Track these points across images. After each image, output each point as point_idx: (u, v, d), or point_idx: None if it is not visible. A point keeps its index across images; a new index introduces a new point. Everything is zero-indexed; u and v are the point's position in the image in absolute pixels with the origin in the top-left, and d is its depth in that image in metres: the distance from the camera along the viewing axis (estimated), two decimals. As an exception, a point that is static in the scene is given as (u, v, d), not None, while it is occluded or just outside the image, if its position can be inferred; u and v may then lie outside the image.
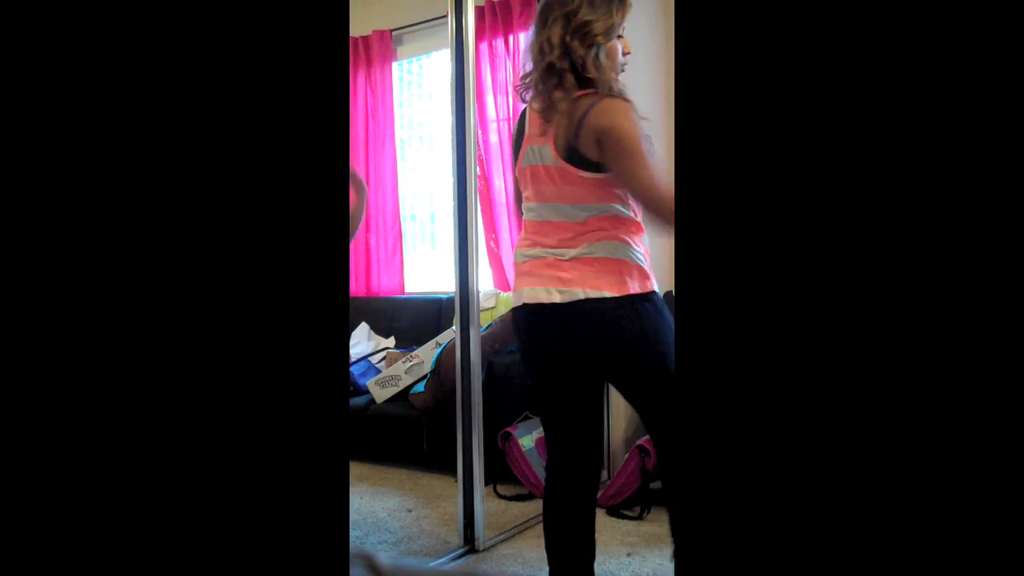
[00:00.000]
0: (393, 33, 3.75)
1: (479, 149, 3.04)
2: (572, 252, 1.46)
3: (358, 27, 3.76)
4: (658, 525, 2.39)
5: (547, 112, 1.45)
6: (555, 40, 1.42)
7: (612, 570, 2.06)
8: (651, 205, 1.42)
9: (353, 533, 2.30)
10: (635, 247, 1.48)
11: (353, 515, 2.40)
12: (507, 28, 3.27)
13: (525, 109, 1.57)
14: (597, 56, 1.43)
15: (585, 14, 1.42)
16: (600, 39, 1.43)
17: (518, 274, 1.56)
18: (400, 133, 3.82)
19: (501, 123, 3.30)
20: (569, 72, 1.42)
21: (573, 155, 1.42)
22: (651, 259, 1.56)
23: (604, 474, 2.87)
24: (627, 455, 2.65)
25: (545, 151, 1.46)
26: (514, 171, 1.61)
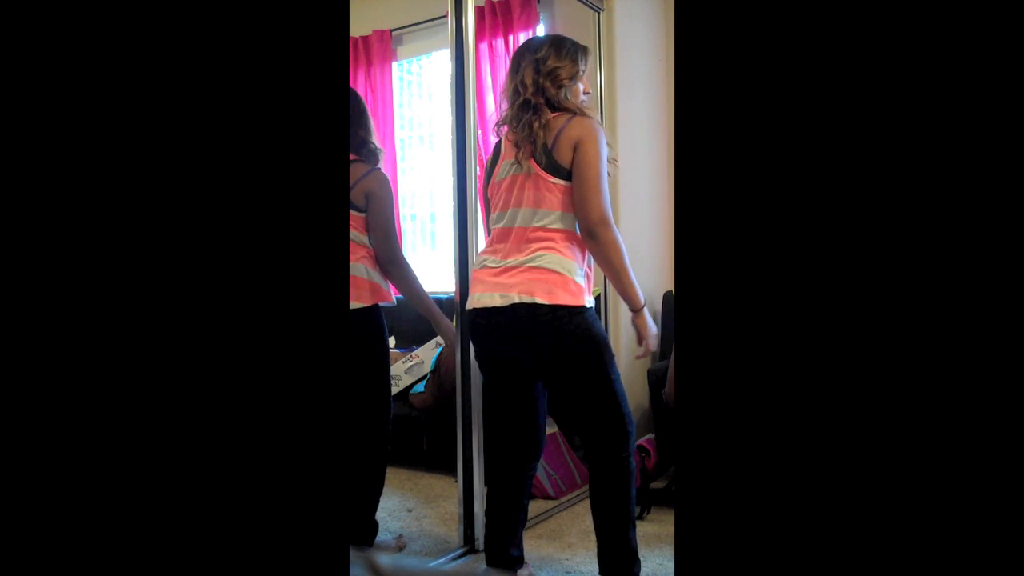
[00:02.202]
0: (393, 33, 3.75)
1: (479, 149, 3.04)
2: (519, 260, 1.66)
3: (358, 27, 3.76)
4: (658, 525, 2.39)
5: (523, 140, 1.66)
6: (528, 81, 1.68)
7: (612, 570, 2.05)
8: (585, 209, 1.60)
9: (353, 533, 2.29)
10: (577, 264, 1.66)
11: (353, 515, 2.39)
12: (507, 28, 3.27)
13: (500, 141, 1.80)
14: (566, 95, 1.69)
15: (553, 62, 1.68)
16: (567, 82, 1.68)
17: (474, 280, 1.76)
18: (400, 133, 3.81)
19: (501, 123, 3.29)
20: (544, 106, 1.65)
21: (549, 163, 1.62)
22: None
23: (604, 474, 2.87)
24: (627, 455, 2.64)
25: (521, 163, 1.66)
26: (486, 192, 1.84)
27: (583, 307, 1.64)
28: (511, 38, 3.28)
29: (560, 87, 1.67)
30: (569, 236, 1.65)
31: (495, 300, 1.65)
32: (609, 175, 1.67)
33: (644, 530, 2.35)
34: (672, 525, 2.34)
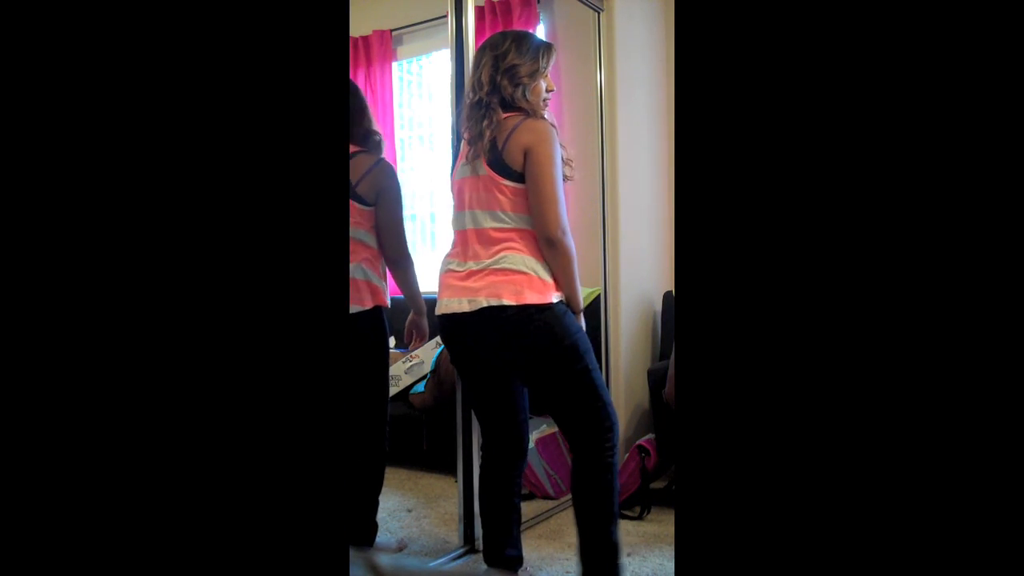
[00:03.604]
0: (393, 33, 3.75)
1: (479, 149, 3.04)
2: (483, 263, 1.65)
3: (358, 27, 3.76)
4: (658, 525, 2.39)
5: (474, 140, 1.65)
6: (484, 79, 1.65)
7: (612, 570, 2.05)
8: (543, 220, 1.59)
9: (353, 533, 2.29)
10: (540, 261, 1.65)
11: (353, 515, 2.39)
12: (507, 28, 3.27)
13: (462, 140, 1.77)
14: (524, 94, 1.65)
15: (513, 58, 1.64)
16: (526, 80, 1.65)
17: (441, 285, 1.77)
18: (400, 133, 3.81)
19: (501, 123, 3.29)
20: (497, 105, 1.63)
21: (499, 165, 1.62)
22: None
23: (604, 474, 2.87)
24: (627, 455, 2.65)
25: (475, 164, 1.66)
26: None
27: (550, 304, 1.63)
28: (511, 38, 3.27)
29: (518, 85, 1.64)
30: (527, 234, 1.65)
31: (463, 306, 1.65)
32: (566, 177, 1.66)
33: (644, 530, 2.36)
34: (672, 525, 2.34)
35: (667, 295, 3.04)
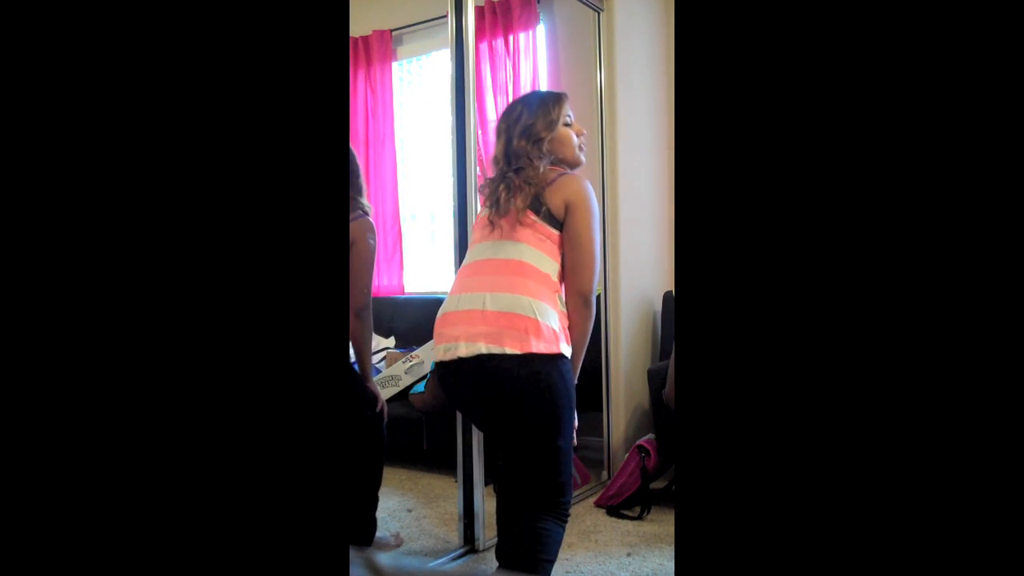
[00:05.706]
0: (393, 33, 3.75)
1: (479, 149, 3.05)
2: (491, 302, 1.55)
3: (358, 27, 3.77)
4: (658, 525, 2.39)
5: (494, 203, 1.64)
6: (499, 153, 1.69)
7: (612, 570, 2.06)
8: (581, 279, 1.59)
9: (353, 533, 2.29)
10: (552, 309, 1.56)
11: (353, 515, 2.39)
12: (507, 28, 3.28)
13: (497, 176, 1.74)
14: (544, 147, 1.66)
15: (526, 119, 1.68)
16: (543, 133, 1.67)
17: (445, 323, 1.63)
18: (400, 133, 3.82)
19: (501, 123, 3.30)
20: (514, 174, 1.64)
21: (538, 207, 1.60)
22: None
23: (604, 474, 2.88)
24: (627, 455, 2.65)
25: (503, 219, 1.64)
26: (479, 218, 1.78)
27: (557, 354, 1.53)
28: (511, 38, 3.28)
29: (537, 141, 1.66)
30: (545, 278, 1.58)
31: (460, 351, 1.55)
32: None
33: (644, 530, 2.36)
34: (672, 525, 2.34)
35: (667, 295, 3.04)
